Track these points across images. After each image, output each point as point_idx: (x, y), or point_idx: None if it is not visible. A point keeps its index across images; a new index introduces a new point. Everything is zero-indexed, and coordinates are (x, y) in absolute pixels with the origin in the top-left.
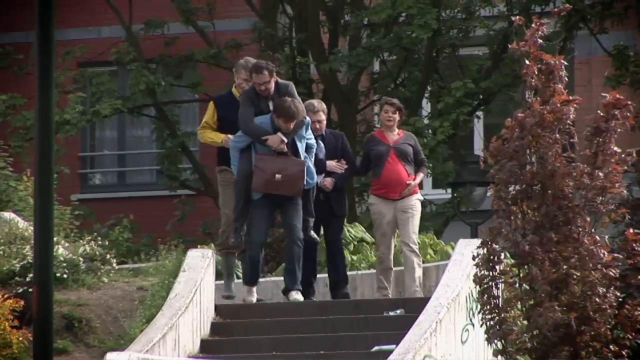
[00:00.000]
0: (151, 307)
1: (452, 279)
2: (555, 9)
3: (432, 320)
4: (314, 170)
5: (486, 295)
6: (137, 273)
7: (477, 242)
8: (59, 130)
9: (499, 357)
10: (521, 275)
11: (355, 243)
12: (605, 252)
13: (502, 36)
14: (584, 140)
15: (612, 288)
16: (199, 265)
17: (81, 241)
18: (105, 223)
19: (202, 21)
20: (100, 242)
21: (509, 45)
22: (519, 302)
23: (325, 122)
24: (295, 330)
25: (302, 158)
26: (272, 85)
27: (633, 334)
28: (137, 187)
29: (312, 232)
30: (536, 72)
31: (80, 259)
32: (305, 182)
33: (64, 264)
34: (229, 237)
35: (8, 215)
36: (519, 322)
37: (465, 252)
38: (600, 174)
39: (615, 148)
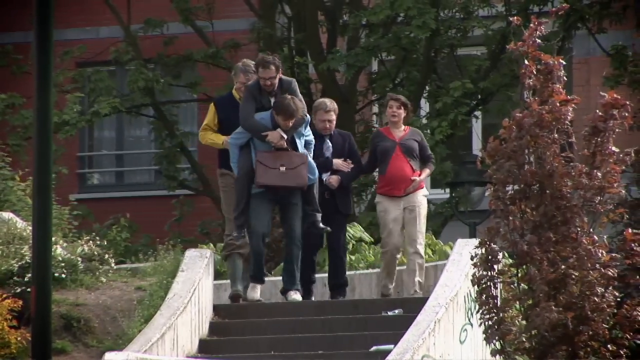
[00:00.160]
0: (149, 307)
1: (450, 279)
2: (554, 9)
3: (431, 320)
4: (314, 165)
5: (484, 295)
6: (136, 273)
7: (475, 242)
8: (58, 130)
9: (498, 356)
10: (519, 275)
11: (354, 243)
12: (604, 252)
13: (501, 36)
14: (582, 140)
15: (611, 288)
16: (197, 265)
17: (79, 241)
18: (103, 223)
19: (201, 21)
20: (98, 242)
21: (507, 45)
22: (517, 302)
23: (335, 122)
24: (293, 330)
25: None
26: (277, 82)
27: (631, 333)
28: (135, 187)
29: (321, 225)
30: (534, 72)
31: (79, 258)
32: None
33: (63, 264)
34: (232, 240)
35: (6, 215)
36: (517, 322)
37: (464, 252)
38: (599, 173)
39: (614, 148)
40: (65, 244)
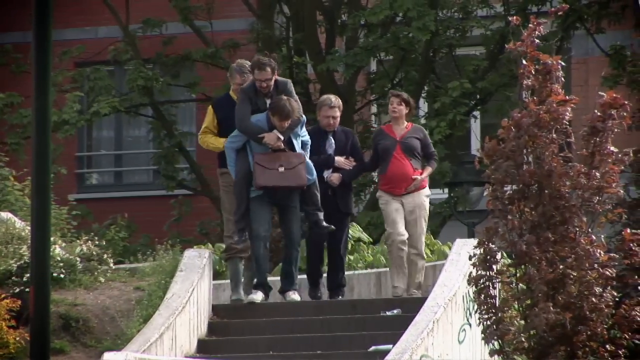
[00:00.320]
0: (148, 307)
1: (449, 279)
2: (553, 9)
3: (429, 320)
4: (312, 165)
5: (483, 295)
6: (134, 273)
7: (473, 242)
8: (58, 130)
9: (496, 356)
10: (518, 275)
11: (353, 243)
12: (602, 252)
13: (499, 36)
14: (581, 140)
15: (609, 288)
16: (196, 265)
17: (78, 241)
18: (102, 223)
19: (200, 20)
20: (97, 242)
21: (506, 45)
22: (516, 302)
23: (339, 119)
24: (292, 330)
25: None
26: (272, 83)
27: (630, 333)
28: (134, 187)
29: (324, 223)
30: (533, 72)
31: (77, 258)
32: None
33: (61, 264)
34: (234, 244)
35: (5, 215)
36: (515, 322)
37: (462, 252)
38: (597, 173)
39: (612, 148)
40: (63, 244)
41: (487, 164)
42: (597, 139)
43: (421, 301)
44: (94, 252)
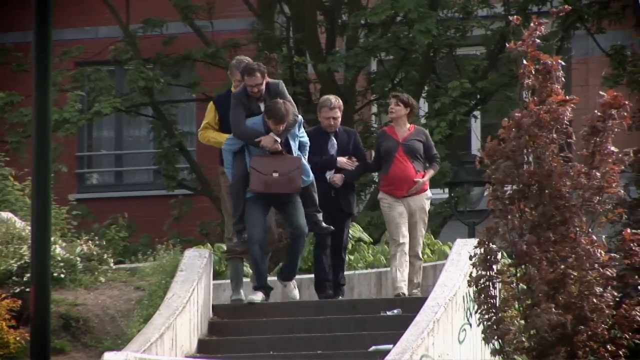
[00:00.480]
0: (148, 307)
1: (449, 279)
2: (553, 9)
3: (430, 320)
4: (309, 167)
5: (483, 295)
6: (135, 273)
7: (474, 241)
8: (59, 128)
9: (497, 356)
10: (518, 275)
11: (353, 243)
12: (602, 252)
13: (500, 36)
14: (581, 140)
15: (609, 288)
16: (197, 265)
17: (78, 241)
18: (102, 223)
19: (201, 20)
20: (97, 242)
21: (507, 45)
22: (516, 302)
23: (340, 119)
24: (292, 330)
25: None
26: (264, 87)
27: (630, 333)
28: (134, 187)
29: (324, 224)
30: (533, 72)
31: (78, 258)
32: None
33: (61, 264)
34: (233, 246)
35: (5, 215)
36: (516, 321)
37: (463, 251)
38: (598, 173)
39: (613, 148)
40: (64, 244)
41: (487, 164)
42: (598, 139)
43: (421, 301)
44: (95, 252)
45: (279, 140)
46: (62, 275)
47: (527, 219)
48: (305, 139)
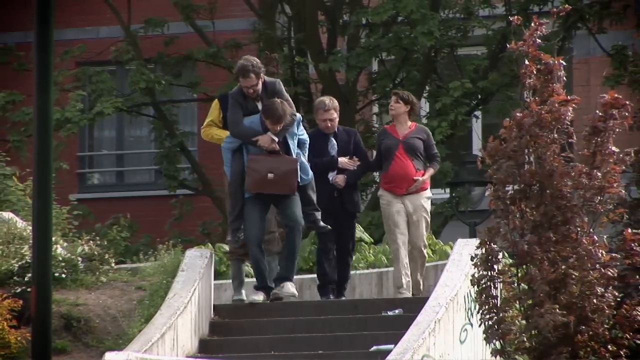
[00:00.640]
0: (150, 307)
1: (450, 279)
2: (554, 9)
3: (431, 320)
4: (307, 166)
5: (484, 295)
6: (136, 273)
7: (475, 241)
8: (60, 128)
9: (498, 356)
10: (519, 275)
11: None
12: (604, 252)
13: (501, 36)
14: (582, 140)
15: (610, 288)
16: (198, 265)
17: (80, 241)
18: (104, 223)
19: (202, 20)
20: (98, 242)
21: (508, 45)
22: (518, 302)
23: (337, 120)
24: (293, 330)
25: (294, 155)
26: (260, 87)
27: (631, 333)
28: (135, 187)
29: (321, 223)
30: (534, 72)
31: (79, 258)
32: (299, 179)
33: (63, 264)
34: (234, 248)
35: (7, 215)
36: (517, 321)
37: (464, 251)
38: (599, 173)
39: (614, 148)
40: (65, 244)
41: (489, 163)
42: (599, 139)
43: (423, 301)
44: (96, 252)
45: (276, 139)
46: (64, 275)
47: (529, 219)
48: (305, 137)
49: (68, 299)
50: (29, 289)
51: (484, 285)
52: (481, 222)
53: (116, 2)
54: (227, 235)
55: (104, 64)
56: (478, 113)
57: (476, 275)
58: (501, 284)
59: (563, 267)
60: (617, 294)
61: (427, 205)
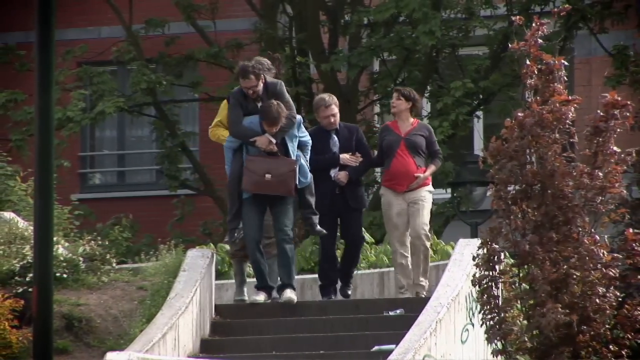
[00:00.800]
0: (151, 307)
1: (452, 279)
2: (555, 9)
3: (432, 320)
4: (307, 169)
5: (486, 295)
6: (137, 273)
7: (477, 241)
8: (62, 127)
9: (499, 356)
10: (521, 275)
11: None
12: (605, 252)
13: (502, 36)
14: (584, 140)
15: (612, 288)
16: (199, 265)
17: (81, 241)
18: (105, 223)
19: (203, 20)
20: (100, 242)
21: (509, 45)
22: (519, 302)
23: (338, 115)
24: (294, 330)
25: (294, 157)
26: (260, 88)
27: (632, 333)
28: (137, 187)
29: (318, 227)
30: (536, 72)
31: (80, 258)
32: (297, 181)
33: (64, 264)
34: (240, 243)
35: (8, 215)
36: (518, 321)
37: (465, 251)
38: (600, 173)
39: (615, 148)
40: (66, 244)
41: (490, 163)
42: (600, 139)
43: (424, 301)
44: (97, 252)
45: (273, 141)
46: (65, 275)
47: (530, 219)
48: (307, 138)
49: (69, 299)
50: (30, 289)
51: (485, 285)
52: (483, 222)
53: (117, 2)
54: (226, 235)
55: (106, 64)
56: (479, 113)
57: (477, 275)
58: (503, 284)
59: (564, 267)
60: (618, 294)
61: (429, 196)
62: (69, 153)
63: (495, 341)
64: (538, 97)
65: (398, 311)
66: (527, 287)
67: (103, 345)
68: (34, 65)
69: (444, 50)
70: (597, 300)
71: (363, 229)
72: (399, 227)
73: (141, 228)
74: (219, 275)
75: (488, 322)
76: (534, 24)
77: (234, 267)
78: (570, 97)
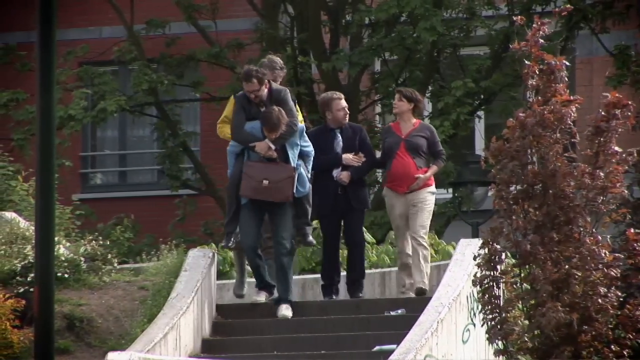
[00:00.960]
0: (152, 307)
1: (453, 279)
2: (557, 9)
3: (433, 320)
4: (306, 179)
5: (487, 295)
6: (139, 273)
7: (478, 241)
8: (64, 126)
9: (500, 357)
10: (522, 275)
11: None
12: (607, 252)
13: (504, 36)
14: (585, 140)
15: (613, 288)
16: (200, 265)
17: (82, 241)
18: (106, 223)
19: (204, 20)
20: (101, 242)
21: (510, 45)
22: (520, 302)
23: (347, 110)
24: (296, 330)
25: (293, 165)
26: (263, 92)
27: (634, 333)
28: (138, 187)
29: (310, 238)
30: (537, 72)
31: (82, 258)
32: (295, 190)
33: (65, 264)
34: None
35: (9, 215)
36: (520, 321)
37: (467, 251)
38: (601, 173)
39: (616, 148)
40: (68, 244)
41: (492, 163)
42: (601, 139)
43: (425, 301)
44: (98, 252)
45: (273, 147)
46: (66, 275)
47: (531, 219)
48: (309, 149)
49: (71, 299)
50: (31, 289)
51: (486, 285)
52: (484, 222)
53: (119, 2)
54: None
55: (107, 64)
56: (481, 113)
57: (479, 275)
58: (504, 284)
59: (566, 267)
60: (620, 294)
61: (430, 198)
62: (71, 153)
63: (497, 341)
64: (539, 97)
65: (399, 311)
66: (529, 287)
67: (104, 345)
68: (35, 65)
69: (445, 50)
70: (599, 300)
71: (364, 229)
72: (402, 228)
73: (142, 228)
74: (220, 275)
75: (489, 322)
76: (535, 24)
77: (234, 259)
78: (571, 97)
